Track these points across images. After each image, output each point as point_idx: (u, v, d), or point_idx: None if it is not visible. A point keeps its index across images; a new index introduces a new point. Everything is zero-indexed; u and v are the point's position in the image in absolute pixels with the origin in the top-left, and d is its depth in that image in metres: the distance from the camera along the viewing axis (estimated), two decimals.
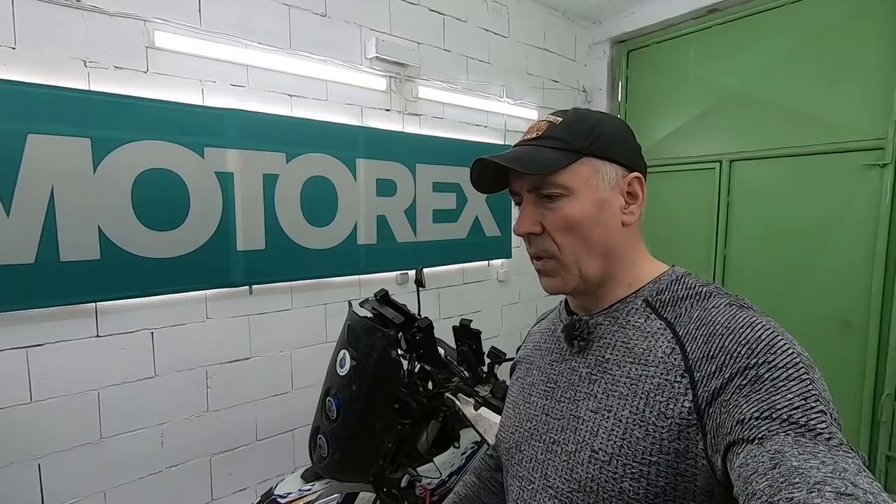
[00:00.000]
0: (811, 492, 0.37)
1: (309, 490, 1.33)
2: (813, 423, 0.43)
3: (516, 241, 2.99)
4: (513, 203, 0.70)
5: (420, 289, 1.58)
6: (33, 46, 1.53)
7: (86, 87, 1.62)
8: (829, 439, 0.42)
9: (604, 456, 0.56)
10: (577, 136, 0.62)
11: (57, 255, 1.56)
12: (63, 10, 1.57)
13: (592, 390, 0.61)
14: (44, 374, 1.61)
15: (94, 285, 1.63)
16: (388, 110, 2.41)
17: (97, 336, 1.70)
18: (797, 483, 0.38)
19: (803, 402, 0.45)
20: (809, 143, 2.54)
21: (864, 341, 2.40)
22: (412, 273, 2.39)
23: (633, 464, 0.54)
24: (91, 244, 1.62)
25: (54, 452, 1.64)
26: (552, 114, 0.66)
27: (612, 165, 0.63)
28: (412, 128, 2.51)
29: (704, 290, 0.60)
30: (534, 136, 0.64)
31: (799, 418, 0.44)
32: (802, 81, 2.55)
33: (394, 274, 2.48)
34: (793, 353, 0.49)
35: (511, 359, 0.91)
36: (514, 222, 0.69)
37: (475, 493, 0.88)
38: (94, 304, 1.67)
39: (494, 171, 0.65)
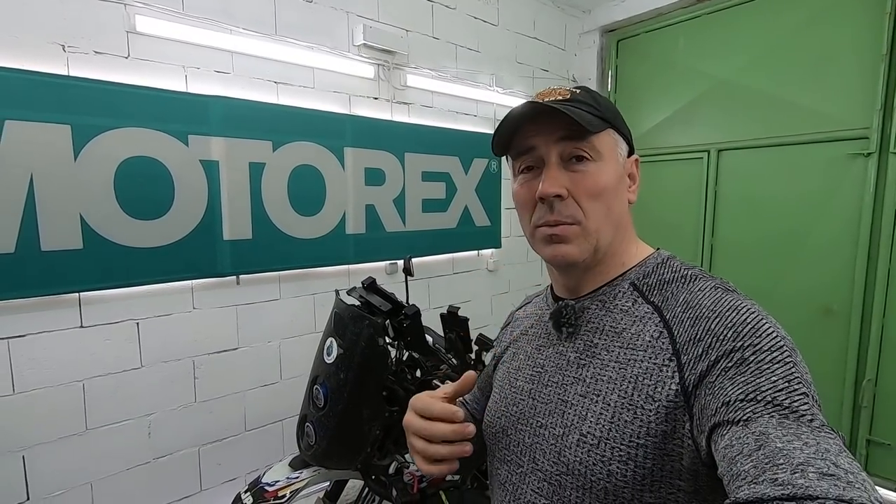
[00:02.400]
0: (795, 472, 0.38)
1: (297, 478, 1.33)
2: (796, 405, 0.44)
3: (506, 231, 2.99)
4: (513, 172, 0.66)
5: (408, 278, 1.58)
6: (9, 30, 1.49)
7: (65, 73, 1.58)
8: (811, 421, 0.43)
9: (592, 439, 0.57)
10: (602, 107, 0.63)
11: (38, 244, 1.53)
12: None
13: (581, 374, 0.62)
14: (27, 365, 1.58)
15: (77, 275, 1.61)
16: (376, 98, 2.38)
17: (81, 326, 1.67)
18: (781, 464, 0.39)
19: (787, 384, 0.45)
20: (796, 132, 2.56)
21: (846, 328, 2.44)
22: (401, 263, 2.39)
23: (622, 447, 0.54)
24: (73, 233, 1.59)
25: (39, 444, 1.62)
26: (561, 88, 0.65)
27: (624, 143, 0.65)
28: (400, 116, 2.49)
29: (690, 273, 0.61)
30: (559, 98, 0.61)
31: (783, 400, 0.44)
32: (789, 70, 2.56)
33: (383, 264, 2.47)
34: (777, 336, 0.49)
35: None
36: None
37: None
38: (77, 294, 1.65)
39: (510, 131, 0.63)
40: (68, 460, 1.68)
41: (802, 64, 2.52)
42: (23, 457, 1.60)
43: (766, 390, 0.45)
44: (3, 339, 1.54)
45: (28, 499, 1.61)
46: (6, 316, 1.53)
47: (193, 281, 1.89)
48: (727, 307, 0.53)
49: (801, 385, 0.46)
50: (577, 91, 0.64)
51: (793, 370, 0.47)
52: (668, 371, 0.54)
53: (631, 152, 0.67)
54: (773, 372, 0.46)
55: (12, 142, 1.47)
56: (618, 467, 0.54)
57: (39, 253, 1.53)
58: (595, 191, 0.60)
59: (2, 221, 1.47)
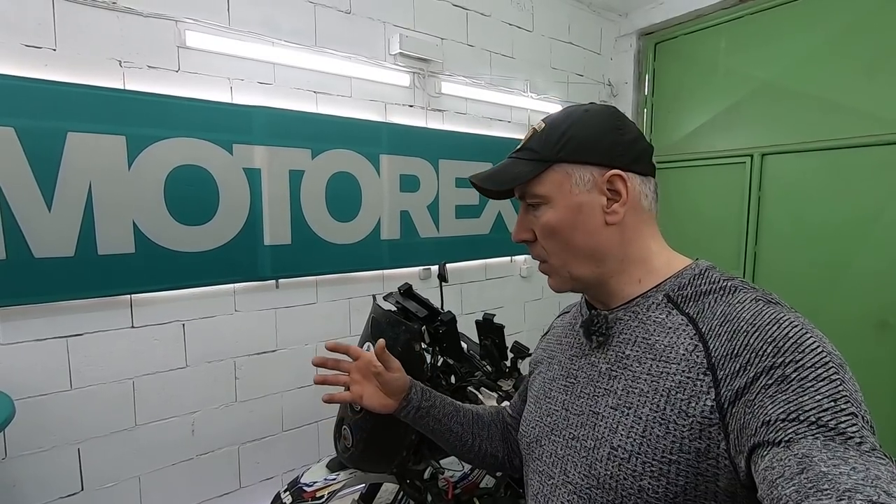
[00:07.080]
0: (841, 499, 0.35)
1: (334, 479, 1.36)
2: (843, 426, 0.41)
3: None
4: None
5: (443, 283, 1.59)
6: (72, 48, 1.59)
7: (121, 87, 1.67)
8: (860, 444, 0.40)
9: (623, 453, 0.56)
10: (547, 145, 0.63)
11: (95, 248, 1.62)
12: (100, 12, 1.62)
13: (612, 386, 0.60)
14: (83, 362, 1.68)
15: (130, 278, 1.69)
16: (411, 106, 2.42)
17: (132, 327, 1.76)
18: (826, 490, 0.37)
19: (833, 403, 0.43)
20: (846, 135, 2.44)
21: None
22: (435, 268, 2.40)
23: (653, 462, 0.53)
24: (126, 238, 1.68)
25: (92, 438, 1.71)
26: (542, 119, 0.67)
27: (586, 167, 0.62)
28: (435, 123, 2.51)
29: (729, 284, 0.58)
30: (518, 147, 0.68)
31: (828, 421, 0.42)
32: (839, 71, 2.45)
33: (417, 269, 2.50)
34: (822, 351, 0.46)
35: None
36: None
37: (487, 416, 0.90)
38: (129, 295, 1.73)
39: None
40: (119, 454, 1.76)
41: (853, 64, 2.41)
42: (78, 449, 1.69)
43: (810, 410, 0.43)
44: (63, 337, 1.63)
45: (82, 489, 1.70)
46: (65, 315, 1.63)
47: (236, 284, 1.96)
48: (768, 320, 0.50)
49: (848, 404, 0.43)
50: (540, 128, 0.66)
51: (840, 388, 0.44)
52: (702, 385, 0.52)
53: (613, 166, 0.61)
54: (817, 390, 0.44)
55: (73, 152, 1.57)
56: (649, 483, 0.53)
57: (96, 256, 1.63)
58: (545, 232, 0.64)
59: (63, 226, 1.57)
